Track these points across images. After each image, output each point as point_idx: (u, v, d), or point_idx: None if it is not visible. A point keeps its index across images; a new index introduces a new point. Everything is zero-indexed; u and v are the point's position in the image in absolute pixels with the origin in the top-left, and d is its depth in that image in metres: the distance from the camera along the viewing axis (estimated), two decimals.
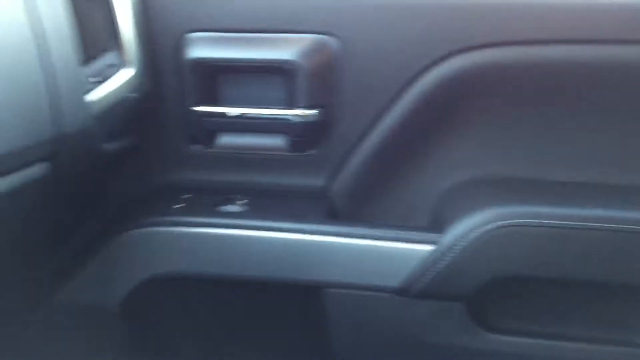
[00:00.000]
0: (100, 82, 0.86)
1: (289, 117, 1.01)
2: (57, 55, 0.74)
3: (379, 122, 1.01)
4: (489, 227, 0.92)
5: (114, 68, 0.90)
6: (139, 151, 1.04)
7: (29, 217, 0.82)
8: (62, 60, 0.75)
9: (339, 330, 1.01)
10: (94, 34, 0.87)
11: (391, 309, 0.97)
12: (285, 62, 0.98)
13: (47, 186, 0.77)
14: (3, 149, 0.66)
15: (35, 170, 0.74)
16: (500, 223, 0.92)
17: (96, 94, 0.84)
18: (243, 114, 1.02)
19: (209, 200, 1.04)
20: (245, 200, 1.05)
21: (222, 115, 1.03)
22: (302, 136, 1.04)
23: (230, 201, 1.04)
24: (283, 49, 0.99)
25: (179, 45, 0.99)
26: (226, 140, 1.06)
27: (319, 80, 1.00)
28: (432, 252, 0.94)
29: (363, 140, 1.03)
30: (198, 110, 1.02)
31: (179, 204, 1.03)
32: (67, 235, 1.02)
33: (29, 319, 1.04)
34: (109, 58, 0.90)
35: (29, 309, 1.03)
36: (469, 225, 0.93)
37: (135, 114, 0.97)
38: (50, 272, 1.02)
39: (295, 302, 1.05)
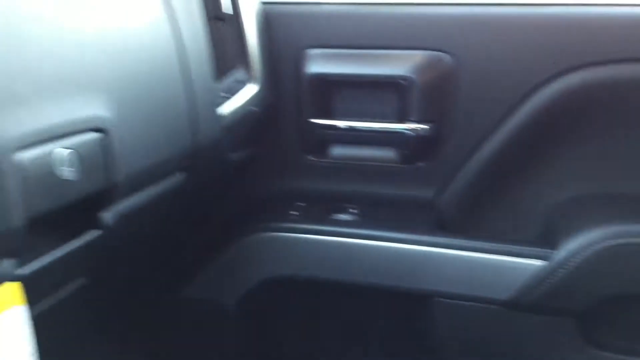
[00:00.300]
0: (229, 97, 0.92)
1: (401, 131, 1.04)
2: (196, 72, 0.80)
3: (489, 137, 1.03)
4: (603, 244, 0.92)
5: (241, 83, 0.96)
6: (258, 160, 1.10)
7: (162, 223, 0.89)
8: (200, 77, 0.81)
9: (447, 340, 1.03)
10: (225, 52, 0.93)
11: (500, 322, 0.98)
12: (400, 77, 1.02)
13: (181, 195, 0.83)
14: (151, 161, 0.72)
15: (173, 180, 0.79)
16: (614, 241, 0.92)
17: (226, 108, 0.90)
18: (356, 126, 1.06)
19: (322, 208, 1.08)
20: (357, 210, 1.08)
21: (336, 127, 1.07)
22: (413, 149, 1.06)
23: (343, 210, 1.08)
24: (398, 65, 1.02)
25: (299, 61, 1.05)
26: (340, 151, 1.10)
27: (431, 95, 1.02)
28: (543, 267, 0.94)
29: (473, 154, 1.04)
30: (314, 122, 1.07)
31: (294, 210, 1.08)
32: (191, 238, 1.09)
33: (153, 311, 1.12)
34: (237, 74, 0.96)
35: (155, 303, 1.11)
36: (583, 242, 0.93)
37: (257, 125, 1.02)
38: (173, 271, 1.09)
39: (404, 311, 1.08)
